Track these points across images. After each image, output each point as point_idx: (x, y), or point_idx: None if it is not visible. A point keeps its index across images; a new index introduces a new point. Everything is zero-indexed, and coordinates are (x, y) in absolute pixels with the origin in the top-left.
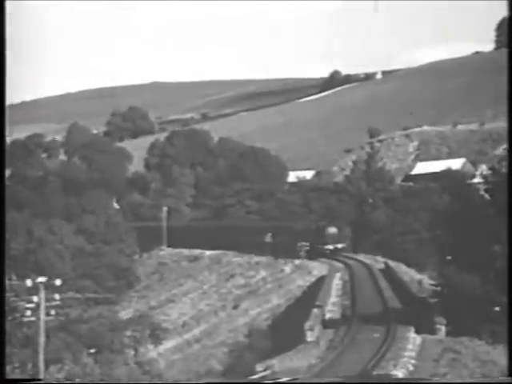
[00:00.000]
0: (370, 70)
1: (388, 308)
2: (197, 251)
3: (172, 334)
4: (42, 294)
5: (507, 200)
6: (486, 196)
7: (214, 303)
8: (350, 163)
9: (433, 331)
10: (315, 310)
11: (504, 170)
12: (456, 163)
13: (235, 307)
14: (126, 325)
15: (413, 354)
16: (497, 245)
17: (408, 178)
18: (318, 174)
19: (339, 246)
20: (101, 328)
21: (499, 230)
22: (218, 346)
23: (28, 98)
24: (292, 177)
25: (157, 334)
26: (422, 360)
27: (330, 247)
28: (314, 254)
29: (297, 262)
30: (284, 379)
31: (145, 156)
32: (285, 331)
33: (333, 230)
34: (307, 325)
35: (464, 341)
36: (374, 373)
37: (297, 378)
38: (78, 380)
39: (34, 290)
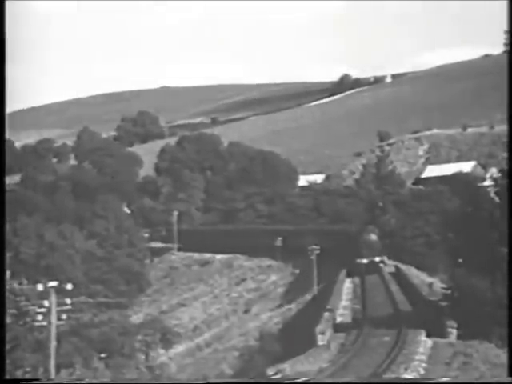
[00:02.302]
0: (379, 73)
1: (399, 311)
2: (207, 255)
3: (183, 338)
4: (53, 299)
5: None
6: (496, 199)
7: (225, 307)
8: (360, 167)
9: (444, 334)
10: (326, 314)
11: None
12: (466, 166)
13: (246, 311)
14: (137, 329)
15: (424, 357)
16: (507, 247)
17: (418, 181)
18: (327, 178)
19: (377, 259)
20: (112, 332)
21: (509, 232)
22: (229, 349)
23: (36, 103)
24: (302, 181)
25: (168, 339)
26: (433, 363)
27: (365, 261)
28: (345, 269)
29: None
30: (299, 379)
31: (155, 160)
32: (296, 335)
33: (372, 237)
34: (318, 328)
35: (475, 344)
36: (385, 376)
37: (312, 378)
38: (87, 380)
39: (45, 294)
